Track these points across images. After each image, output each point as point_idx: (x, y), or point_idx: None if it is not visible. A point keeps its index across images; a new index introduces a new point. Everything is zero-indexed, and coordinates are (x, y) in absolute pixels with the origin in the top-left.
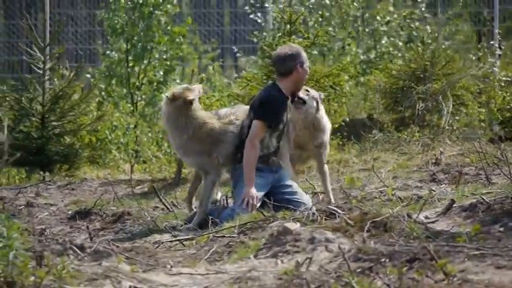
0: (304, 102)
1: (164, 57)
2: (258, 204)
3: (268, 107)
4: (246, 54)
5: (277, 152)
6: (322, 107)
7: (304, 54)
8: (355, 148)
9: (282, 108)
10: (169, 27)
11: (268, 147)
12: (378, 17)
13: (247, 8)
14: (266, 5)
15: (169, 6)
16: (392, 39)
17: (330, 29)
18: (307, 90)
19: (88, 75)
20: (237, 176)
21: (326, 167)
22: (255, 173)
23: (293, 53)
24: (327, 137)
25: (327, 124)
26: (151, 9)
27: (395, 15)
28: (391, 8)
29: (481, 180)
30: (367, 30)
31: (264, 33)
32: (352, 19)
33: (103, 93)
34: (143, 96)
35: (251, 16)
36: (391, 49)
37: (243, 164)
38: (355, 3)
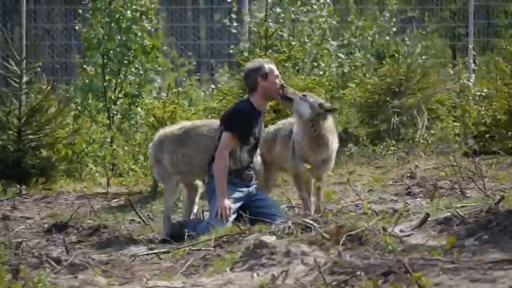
0: (289, 99)
1: (140, 71)
2: (233, 217)
3: (236, 118)
4: (223, 68)
5: (250, 167)
6: (329, 118)
7: (268, 66)
8: None
9: (250, 120)
10: (145, 41)
11: (241, 161)
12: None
13: (226, 20)
14: (244, 18)
15: (145, 22)
16: (364, 52)
17: (307, 41)
18: (304, 95)
19: (62, 92)
20: (212, 190)
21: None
22: (230, 187)
23: (254, 67)
24: (331, 152)
25: (332, 138)
26: (129, 24)
27: (370, 31)
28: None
29: (456, 193)
30: (340, 43)
31: (241, 47)
32: (327, 33)
33: (79, 107)
34: (119, 110)
35: (231, 30)
36: (364, 63)
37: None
38: (329, 19)
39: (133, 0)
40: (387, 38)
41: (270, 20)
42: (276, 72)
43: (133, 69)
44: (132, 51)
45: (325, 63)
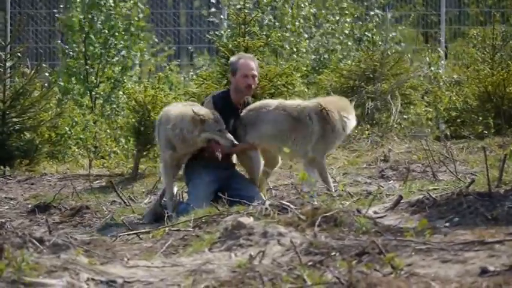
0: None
1: (122, 54)
2: (211, 197)
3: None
4: (202, 53)
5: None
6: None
7: (241, 62)
8: None
9: (220, 108)
10: (128, 24)
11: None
12: (329, 17)
13: (204, 10)
14: (221, 5)
15: (124, 7)
16: (342, 38)
17: (284, 29)
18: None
19: (47, 74)
20: (189, 173)
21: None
22: (207, 170)
23: (230, 62)
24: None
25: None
26: (110, 9)
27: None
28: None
29: (428, 177)
30: (318, 30)
31: (220, 33)
32: (304, 18)
33: (62, 90)
34: (101, 94)
35: (208, 19)
36: (340, 48)
37: (193, 161)
38: (307, 3)
39: None
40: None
41: (249, 6)
42: (246, 72)
43: (114, 53)
44: (114, 36)
45: (304, 49)
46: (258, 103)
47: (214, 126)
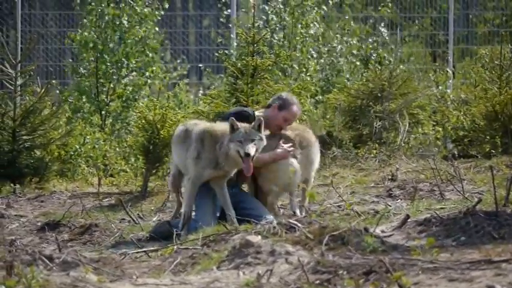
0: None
1: (133, 74)
2: (218, 213)
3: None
4: (211, 72)
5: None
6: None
7: (294, 108)
8: None
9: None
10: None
11: None
12: (337, 36)
13: (213, 31)
14: (232, 23)
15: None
16: (349, 58)
17: (293, 48)
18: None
19: (57, 91)
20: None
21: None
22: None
23: (284, 97)
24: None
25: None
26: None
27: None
28: (352, 24)
29: (435, 196)
30: (326, 49)
31: (230, 52)
32: (312, 38)
33: (73, 108)
34: (112, 113)
35: (219, 38)
36: (348, 68)
37: None
38: (315, 23)
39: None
40: (370, 44)
41: (258, 25)
42: (291, 118)
43: (125, 72)
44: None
45: (314, 68)
46: None
47: (236, 136)
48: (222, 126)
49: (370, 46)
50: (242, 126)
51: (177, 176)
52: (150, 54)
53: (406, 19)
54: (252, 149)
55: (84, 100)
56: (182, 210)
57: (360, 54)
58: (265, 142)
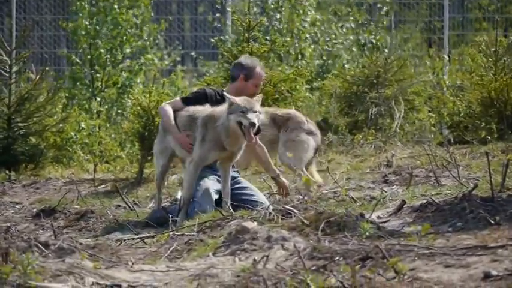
0: None
1: (128, 60)
2: (216, 197)
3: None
4: (206, 59)
5: None
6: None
7: (257, 72)
8: None
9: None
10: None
11: None
12: (334, 21)
13: (210, 16)
14: (228, 9)
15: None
16: (346, 43)
17: (289, 34)
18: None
19: (51, 78)
20: None
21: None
22: (211, 171)
23: (246, 63)
24: None
25: None
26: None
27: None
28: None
29: (431, 181)
30: (321, 35)
31: (225, 38)
32: (309, 24)
33: (68, 95)
34: (107, 99)
35: (210, 18)
36: (344, 53)
37: None
38: (312, 8)
39: None
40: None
41: (254, 11)
42: (259, 82)
43: (120, 58)
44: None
45: (310, 54)
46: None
47: (236, 108)
48: (221, 108)
49: (367, 32)
50: (243, 98)
51: (164, 174)
52: (147, 42)
53: (402, 5)
54: (255, 119)
55: (79, 87)
56: (181, 195)
57: (356, 40)
58: (263, 118)
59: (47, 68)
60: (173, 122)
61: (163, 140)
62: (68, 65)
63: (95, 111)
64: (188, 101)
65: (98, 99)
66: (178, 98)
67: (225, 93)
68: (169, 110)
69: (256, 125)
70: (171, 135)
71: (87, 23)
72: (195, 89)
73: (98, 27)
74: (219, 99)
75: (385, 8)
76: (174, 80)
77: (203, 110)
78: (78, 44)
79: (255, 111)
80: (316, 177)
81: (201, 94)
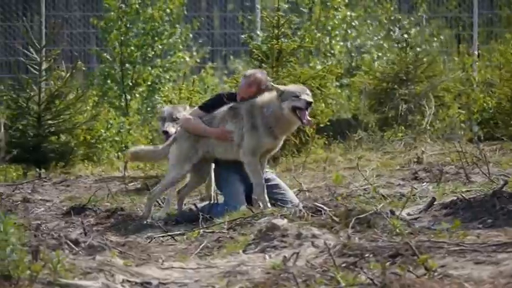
0: None
1: (159, 60)
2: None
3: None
4: (236, 56)
5: None
6: None
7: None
8: (340, 147)
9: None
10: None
11: None
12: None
13: (241, 15)
14: (257, 6)
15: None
16: (376, 39)
17: (318, 30)
18: None
19: (82, 77)
20: (221, 175)
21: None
22: (235, 169)
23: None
24: None
25: None
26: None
27: (383, 17)
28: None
29: (461, 178)
30: (351, 32)
31: (256, 33)
32: (338, 21)
33: (99, 92)
34: (137, 96)
35: (240, 17)
36: (374, 50)
37: (222, 165)
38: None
39: None
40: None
41: (284, 8)
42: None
43: (150, 54)
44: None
45: (339, 51)
46: None
47: (289, 94)
48: (265, 97)
49: (400, 27)
50: (292, 85)
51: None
52: (179, 39)
53: (432, 1)
54: (311, 99)
55: (109, 85)
56: (252, 181)
57: (388, 35)
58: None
59: (80, 62)
60: (203, 124)
61: (192, 147)
62: (98, 62)
63: (125, 108)
64: (207, 107)
65: (128, 96)
66: (196, 108)
67: (273, 84)
68: (193, 118)
69: (312, 104)
70: (208, 135)
71: (118, 19)
72: (226, 85)
73: (129, 25)
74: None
75: (415, 5)
76: (203, 77)
77: (245, 102)
78: (109, 42)
79: (308, 94)
80: None
81: (217, 99)
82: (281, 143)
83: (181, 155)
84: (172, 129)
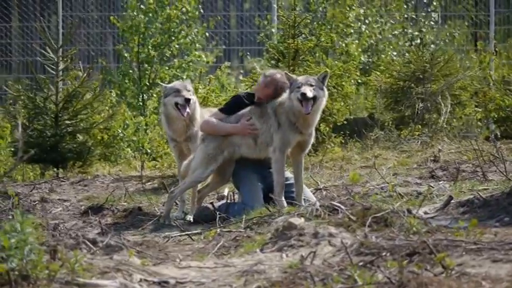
0: None
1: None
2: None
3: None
4: (252, 55)
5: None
6: None
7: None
8: (357, 146)
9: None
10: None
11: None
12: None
13: (258, 19)
14: (274, 5)
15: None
16: (391, 38)
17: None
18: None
19: (100, 76)
20: (239, 174)
21: None
22: (252, 168)
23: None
24: None
25: None
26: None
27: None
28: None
29: (478, 177)
30: (368, 31)
31: (271, 32)
32: (354, 20)
33: (117, 91)
34: (154, 96)
35: (257, 20)
36: (391, 49)
37: (240, 164)
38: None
39: None
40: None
41: (299, 8)
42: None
43: (167, 54)
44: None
45: (356, 50)
46: None
47: (295, 85)
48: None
49: (414, 27)
50: (301, 76)
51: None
52: (195, 39)
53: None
54: (308, 91)
55: (127, 84)
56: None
57: (404, 33)
58: (326, 94)
59: (100, 60)
60: (222, 123)
61: (218, 147)
62: (114, 61)
63: (141, 108)
64: (228, 109)
65: (145, 96)
66: (217, 110)
67: (288, 74)
68: (214, 119)
69: (309, 96)
70: (230, 132)
71: (139, 18)
72: (243, 84)
73: (148, 25)
74: (252, 101)
75: (432, 3)
76: (219, 76)
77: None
78: (130, 42)
79: (311, 85)
80: None
81: (237, 100)
82: (311, 138)
83: (208, 155)
84: (193, 96)
